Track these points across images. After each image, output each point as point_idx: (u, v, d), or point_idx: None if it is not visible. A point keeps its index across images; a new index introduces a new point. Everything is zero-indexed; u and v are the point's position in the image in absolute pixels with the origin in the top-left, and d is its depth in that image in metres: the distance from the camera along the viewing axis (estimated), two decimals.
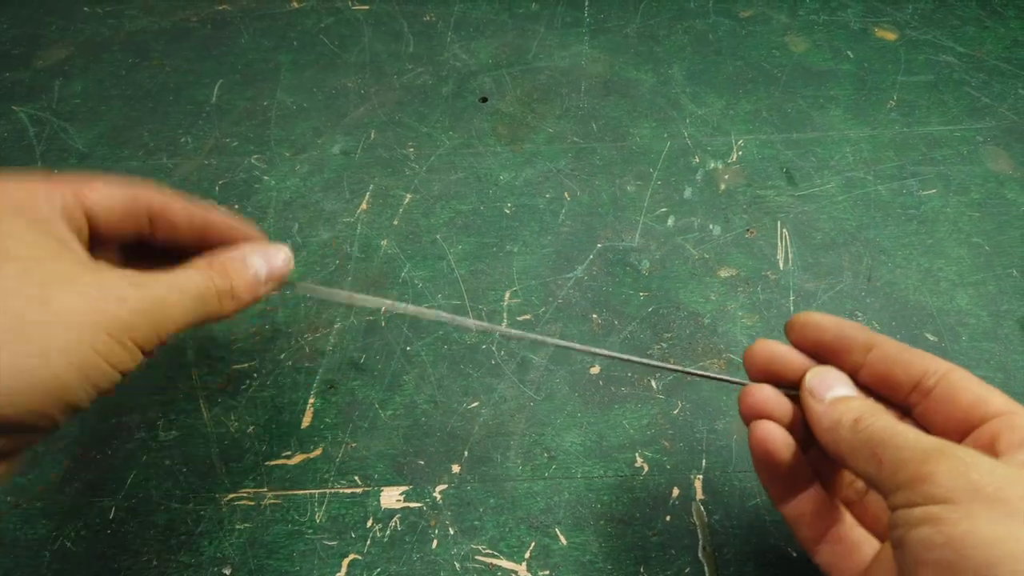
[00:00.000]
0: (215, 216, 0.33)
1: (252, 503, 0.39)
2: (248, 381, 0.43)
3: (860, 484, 0.32)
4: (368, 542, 0.37)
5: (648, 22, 0.65)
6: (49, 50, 0.63)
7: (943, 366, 0.29)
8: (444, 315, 0.35)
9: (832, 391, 0.29)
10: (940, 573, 0.22)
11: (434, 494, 0.39)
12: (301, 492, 0.39)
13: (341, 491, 0.39)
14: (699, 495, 0.39)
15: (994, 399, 0.28)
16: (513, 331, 0.34)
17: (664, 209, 0.51)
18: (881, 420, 0.27)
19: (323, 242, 0.50)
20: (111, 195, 0.31)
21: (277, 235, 0.50)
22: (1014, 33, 0.62)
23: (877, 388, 0.31)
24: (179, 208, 0.33)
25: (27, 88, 0.60)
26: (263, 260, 0.32)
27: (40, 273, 0.24)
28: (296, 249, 0.49)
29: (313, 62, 0.62)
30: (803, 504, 0.31)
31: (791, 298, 0.46)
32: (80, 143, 0.56)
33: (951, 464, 0.24)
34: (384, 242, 0.50)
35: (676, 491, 0.39)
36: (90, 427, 0.41)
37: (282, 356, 0.44)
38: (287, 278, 0.33)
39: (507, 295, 0.47)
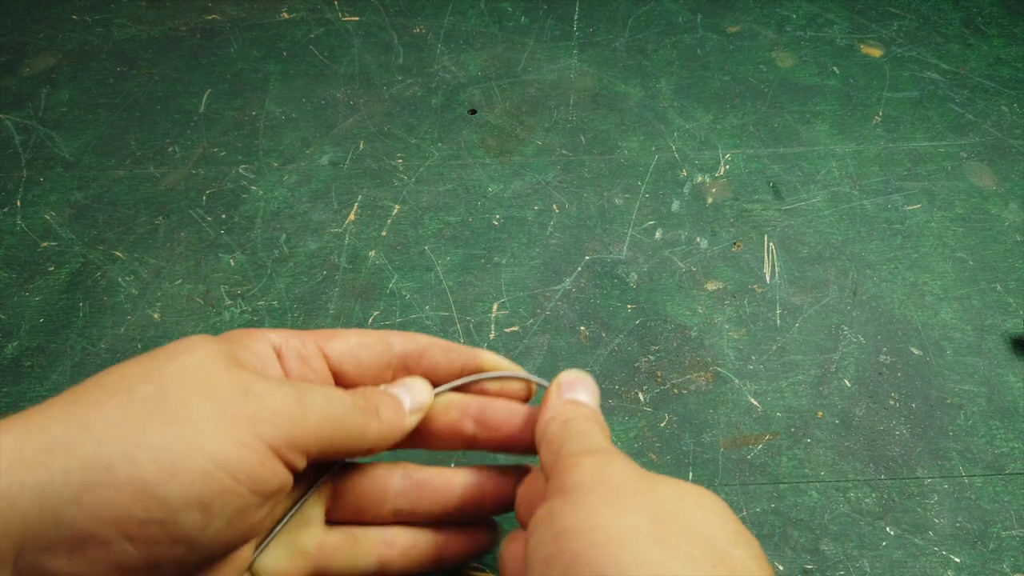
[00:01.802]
0: (481, 357, 0.32)
1: None
2: None
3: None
4: None
5: (636, 36, 0.65)
6: (36, 58, 0.63)
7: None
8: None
9: (573, 393, 0.30)
10: (545, 571, 0.22)
11: None
12: None
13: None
14: None
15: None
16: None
17: (652, 222, 0.51)
18: (586, 424, 0.27)
19: (311, 252, 0.49)
20: (357, 345, 0.31)
21: (265, 246, 0.50)
22: (997, 51, 0.63)
23: None
24: (440, 355, 0.32)
25: (13, 96, 0.59)
26: (406, 390, 0.31)
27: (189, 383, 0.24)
28: (283, 260, 0.49)
29: (302, 72, 0.62)
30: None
31: (777, 311, 0.47)
32: (66, 152, 0.55)
33: (596, 459, 0.24)
34: (372, 253, 0.50)
35: None
36: None
37: None
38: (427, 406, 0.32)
39: (495, 307, 0.47)
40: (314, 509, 0.31)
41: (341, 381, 0.31)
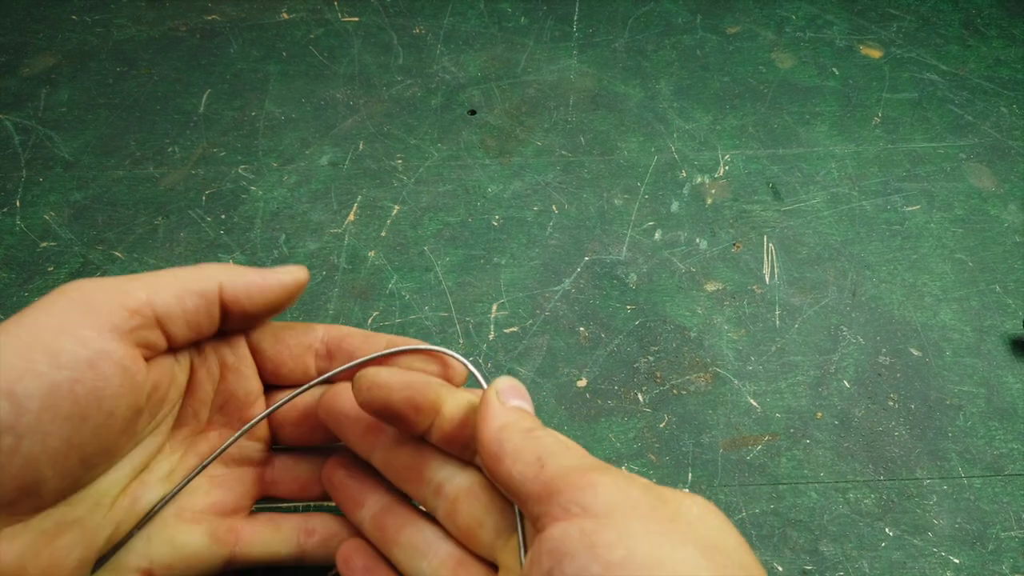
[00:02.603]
0: (399, 343, 0.32)
1: None
2: None
3: (447, 487, 0.30)
4: None
5: (636, 37, 0.65)
6: (35, 58, 0.63)
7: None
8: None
9: (514, 401, 0.29)
10: None
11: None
12: (286, 505, 0.39)
13: (327, 504, 0.39)
14: None
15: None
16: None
17: (651, 223, 0.51)
18: (553, 436, 0.26)
19: (310, 253, 0.49)
20: (280, 327, 0.31)
21: (264, 246, 0.50)
22: (996, 52, 0.63)
23: (448, 448, 0.30)
24: (359, 340, 0.32)
25: (13, 96, 0.59)
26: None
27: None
28: (283, 260, 0.49)
29: (302, 73, 0.62)
30: (374, 506, 0.31)
31: (777, 312, 0.47)
32: (66, 152, 0.55)
33: (614, 478, 0.23)
34: (371, 253, 0.50)
35: None
36: None
37: None
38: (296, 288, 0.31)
39: (494, 307, 0.47)
40: (237, 493, 0.31)
41: (259, 359, 0.32)
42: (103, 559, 0.27)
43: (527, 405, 0.29)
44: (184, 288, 0.27)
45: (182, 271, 0.28)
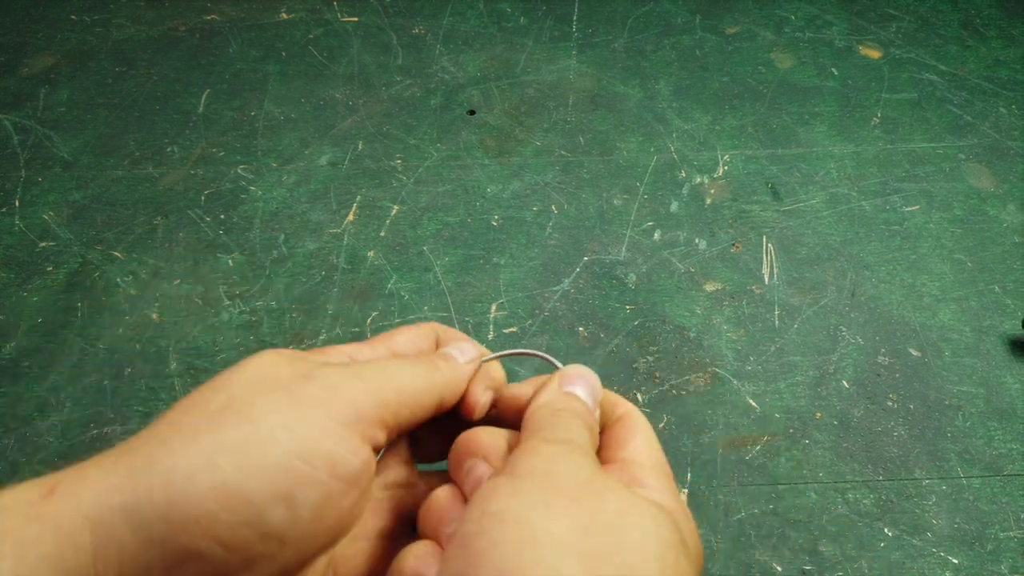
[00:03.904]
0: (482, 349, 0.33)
1: None
2: None
3: None
4: None
5: (635, 37, 0.65)
6: (35, 58, 0.63)
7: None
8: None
9: (572, 387, 0.30)
10: (461, 548, 0.21)
11: None
12: None
13: None
14: None
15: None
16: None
17: (651, 223, 0.51)
18: (571, 419, 0.27)
19: (309, 253, 0.49)
20: (415, 335, 0.31)
21: (263, 246, 0.50)
22: (995, 53, 0.63)
23: None
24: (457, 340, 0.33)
25: (12, 96, 0.59)
26: (456, 348, 0.31)
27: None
28: (282, 260, 0.49)
29: (301, 73, 0.62)
30: None
31: (776, 312, 0.47)
32: (65, 151, 0.55)
33: (556, 449, 0.24)
34: (371, 253, 0.49)
35: None
36: (72, 438, 0.41)
37: None
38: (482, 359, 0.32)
39: (493, 307, 0.47)
40: (397, 517, 0.30)
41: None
42: None
43: (584, 392, 0.30)
44: (417, 402, 0.27)
45: (416, 379, 0.27)
